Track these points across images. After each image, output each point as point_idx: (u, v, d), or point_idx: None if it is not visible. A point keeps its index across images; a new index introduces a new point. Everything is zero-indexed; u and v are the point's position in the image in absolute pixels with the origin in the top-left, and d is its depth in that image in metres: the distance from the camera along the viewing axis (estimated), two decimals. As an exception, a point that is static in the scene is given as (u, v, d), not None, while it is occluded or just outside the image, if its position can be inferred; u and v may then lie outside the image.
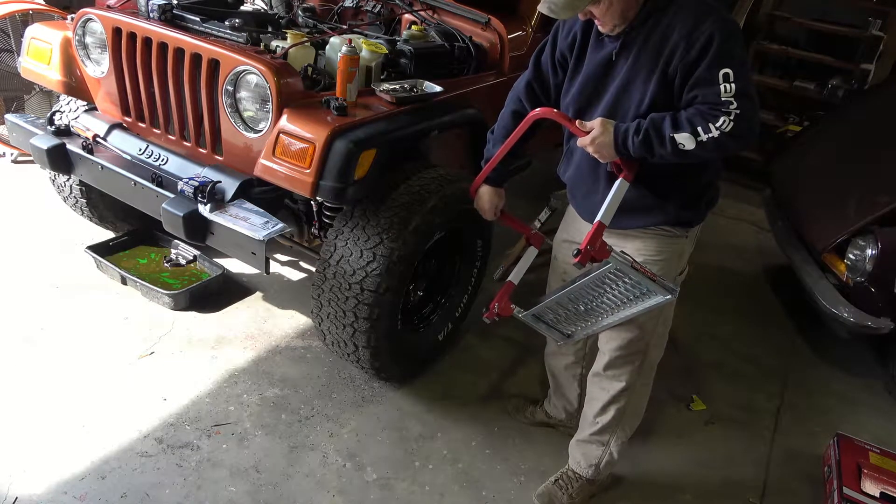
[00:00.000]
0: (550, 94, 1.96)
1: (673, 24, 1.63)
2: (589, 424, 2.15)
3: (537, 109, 1.82)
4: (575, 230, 2.05)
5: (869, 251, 2.78)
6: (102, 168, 2.41)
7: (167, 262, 3.04)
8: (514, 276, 2.13)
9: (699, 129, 1.59)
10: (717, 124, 1.58)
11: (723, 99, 1.57)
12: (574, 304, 1.98)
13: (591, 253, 1.69)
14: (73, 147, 2.47)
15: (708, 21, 1.59)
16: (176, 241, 3.06)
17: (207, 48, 2.18)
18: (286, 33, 2.37)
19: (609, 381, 2.06)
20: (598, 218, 1.74)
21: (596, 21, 1.71)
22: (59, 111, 2.76)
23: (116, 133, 2.52)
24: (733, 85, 1.57)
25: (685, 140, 1.61)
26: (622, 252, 1.74)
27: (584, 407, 2.19)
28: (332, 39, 2.43)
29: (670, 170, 1.76)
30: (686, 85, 1.63)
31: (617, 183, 1.76)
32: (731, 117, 1.57)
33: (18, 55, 3.08)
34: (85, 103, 2.69)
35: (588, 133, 1.71)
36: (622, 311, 1.88)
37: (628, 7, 1.65)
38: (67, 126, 2.58)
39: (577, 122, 1.75)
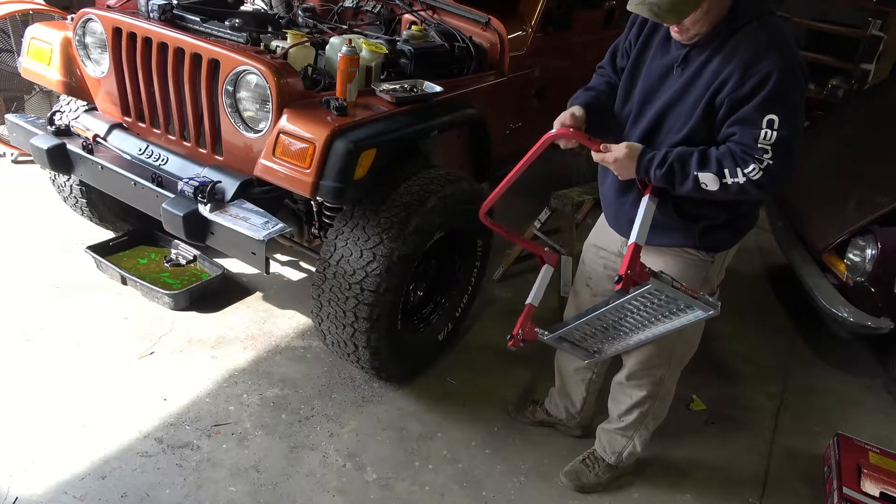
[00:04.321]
0: (618, 75, 1.91)
1: (734, 52, 1.55)
2: (614, 420, 2.22)
3: (554, 130, 1.75)
4: (607, 239, 2.04)
5: (869, 251, 2.78)
6: (102, 168, 2.41)
7: (167, 262, 3.04)
8: (534, 299, 2.06)
9: (726, 170, 1.53)
10: (746, 170, 1.51)
11: (759, 145, 1.50)
12: (602, 322, 1.89)
13: (633, 278, 1.60)
14: (73, 147, 2.47)
15: (770, 58, 1.50)
16: (176, 241, 3.06)
17: (207, 48, 2.18)
18: (286, 33, 2.37)
19: (631, 390, 2.11)
20: (632, 239, 1.65)
21: (676, 30, 1.63)
22: (59, 111, 2.76)
23: (116, 133, 2.52)
24: (776, 133, 1.49)
25: (709, 181, 1.55)
26: (661, 272, 1.64)
27: (609, 403, 2.24)
28: (332, 39, 2.43)
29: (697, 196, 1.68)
30: (728, 118, 1.56)
31: (644, 201, 1.70)
32: (763, 166, 1.50)
33: (18, 55, 3.08)
34: (85, 103, 2.69)
35: (609, 152, 1.66)
36: (657, 328, 1.78)
37: (717, 18, 1.57)
38: (67, 126, 2.59)
39: (602, 144, 1.68)
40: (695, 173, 1.56)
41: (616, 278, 1.59)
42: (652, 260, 1.88)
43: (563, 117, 1.80)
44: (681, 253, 1.85)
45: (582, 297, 2.18)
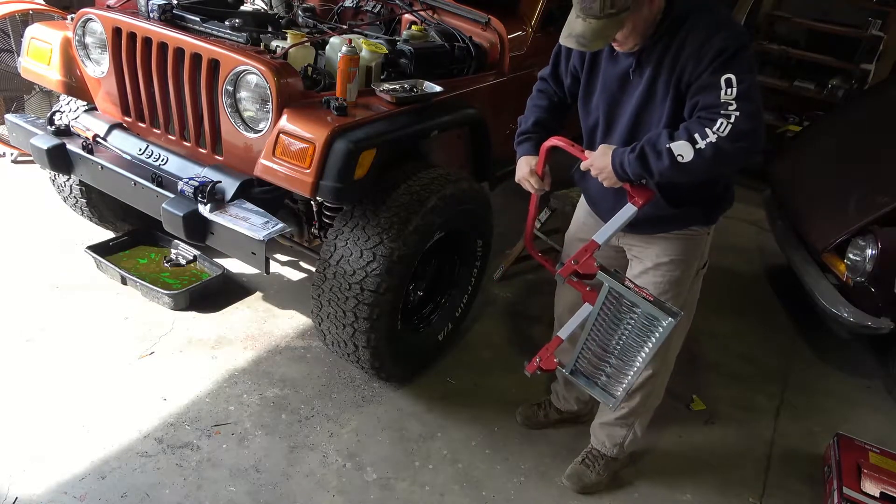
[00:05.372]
0: (564, 91, 1.99)
1: (685, 42, 1.63)
2: (613, 409, 2.17)
3: (550, 139, 1.85)
4: (595, 232, 2.04)
5: (869, 251, 2.78)
6: (102, 168, 2.41)
7: (167, 262, 3.04)
8: (563, 332, 2.00)
9: (696, 135, 1.56)
10: (715, 128, 1.55)
11: (722, 100, 1.55)
12: (601, 348, 1.88)
13: (575, 267, 1.66)
14: (73, 147, 2.47)
15: (719, 35, 1.58)
16: (176, 241, 3.06)
17: (207, 48, 2.18)
18: (286, 33, 2.37)
19: None
20: (594, 237, 1.74)
21: (614, 44, 1.71)
22: (59, 111, 2.76)
23: (116, 133, 2.52)
24: (735, 89, 1.55)
25: (683, 149, 1.58)
26: (615, 271, 1.70)
27: None
28: (332, 39, 2.43)
29: (684, 185, 1.77)
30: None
31: (624, 207, 1.74)
32: (731, 119, 1.54)
33: (18, 55, 3.08)
34: (85, 103, 2.69)
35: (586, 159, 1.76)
36: (643, 351, 1.80)
37: (647, 26, 1.65)
38: (67, 126, 2.58)
39: (584, 151, 1.78)
40: (667, 146, 1.60)
41: (559, 264, 1.68)
42: (656, 246, 1.93)
43: (525, 173, 1.94)
44: (684, 233, 1.90)
45: (565, 292, 2.21)
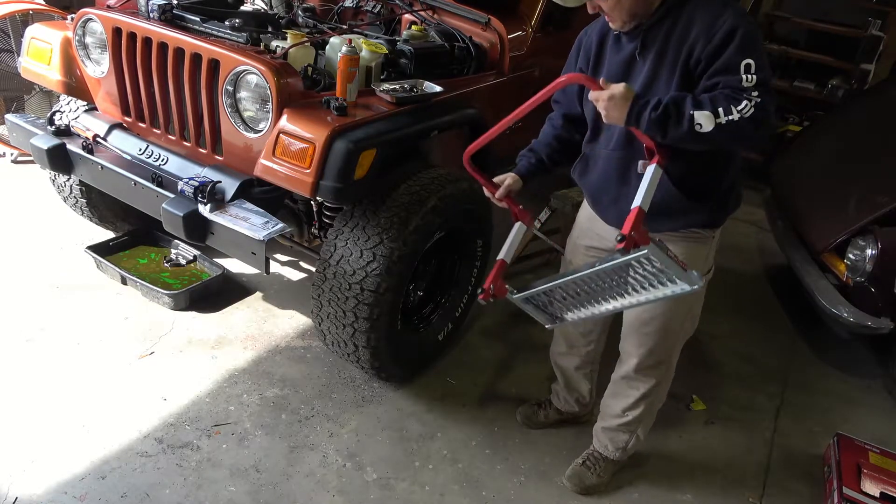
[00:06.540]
0: (579, 104, 1.98)
1: (692, 21, 1.64)
2: (616, 416, 2.20)
3: (567, 74, 1.70)
4: (598, 237, 2.03)
5: (869, 251, 2.78)
6: (102, 168, 2.41)
7: (167, 262, 3.04)
8: (506, 255, 2.00)
9: (720, 109, 1.57)
10: (739, 107, 1.56)
11: (744, 86, 1.57)
12: (577, 287, 1.83)
13: (635, 239, 1.58)
14: (73, 147, 2.47)
15: (726, 14, 1.60)
16: (176, 241, 3.07)
17: (207, 48, 2.19)
18: (286, 33, 2.37)
19: (640, 382, 2.10)
20: (636, 203, 1.64)
21: (605, 16, 1.72)
22: (59, 111, 2.76)
23: (116, 133, 2.52)
24: (754, 76, 1.57)
25: (704, 119, 1.57)
26: (659, 239, 1.62)
27: (609, 400, 2.22)
28: (332, 39, 2.43)
29: (698, 172, 1.77)
30: (706, 73, 1.63)
31: (650, 169, 1.70)
32: (753, 104, 1.56)
33: (18, 55, 3.08)
34: (85, 103, 2.69)
35: (607, 89, 1.63)
36: (632, 298, 1.73)
37: (637, 5, 1.66)
38: (67, 126, 2.59)
39: (601, 80, 1.66)
40: (690, 112, 1.59)
41: (619, 237, 1.56)
42: None
43: (500, 181, 1.99)
44: (687, 234, 1.89)
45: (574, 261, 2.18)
